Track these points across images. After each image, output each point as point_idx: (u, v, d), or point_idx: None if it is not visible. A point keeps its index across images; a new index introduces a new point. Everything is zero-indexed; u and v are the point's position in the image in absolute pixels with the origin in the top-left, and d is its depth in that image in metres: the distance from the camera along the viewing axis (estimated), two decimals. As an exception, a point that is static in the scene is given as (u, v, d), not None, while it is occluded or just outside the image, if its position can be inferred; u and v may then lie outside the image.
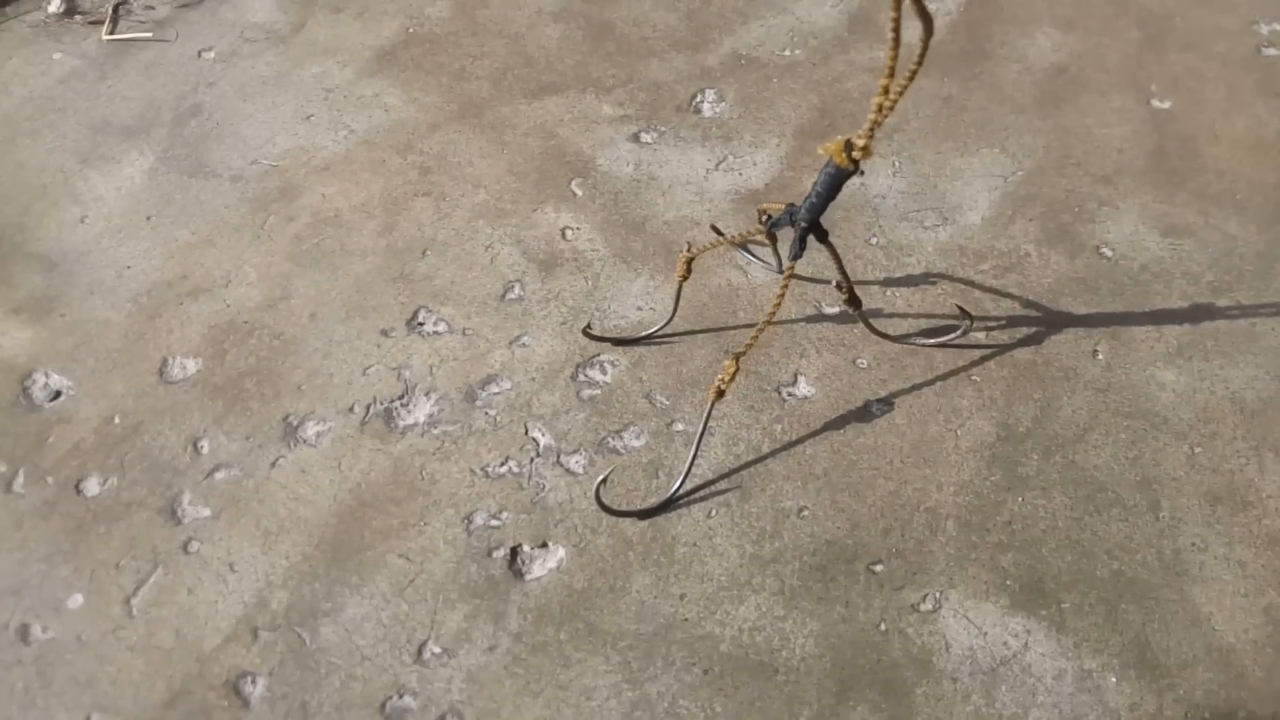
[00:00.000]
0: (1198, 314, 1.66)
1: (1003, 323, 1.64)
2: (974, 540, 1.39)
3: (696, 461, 1.46)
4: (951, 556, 1.38)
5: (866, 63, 2.09)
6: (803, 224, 1.25)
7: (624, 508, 1.41)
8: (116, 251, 1.71)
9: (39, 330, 1.59)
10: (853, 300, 1.46)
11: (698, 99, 2.01)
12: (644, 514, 1.41)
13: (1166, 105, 2.01)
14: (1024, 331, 1.63)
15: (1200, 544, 1.39)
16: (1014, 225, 1.79)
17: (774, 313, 1.30)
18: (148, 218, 1.76)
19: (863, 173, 1.16)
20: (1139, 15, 2.21)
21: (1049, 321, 1.65)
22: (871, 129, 1.08)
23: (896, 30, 0.94)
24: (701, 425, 1.39)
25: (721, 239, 1.37)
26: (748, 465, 1.47)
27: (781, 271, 1.26)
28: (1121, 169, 1.89)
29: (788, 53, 2.11)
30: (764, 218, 1.38)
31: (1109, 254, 1.74)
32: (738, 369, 1.34)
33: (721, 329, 1.62)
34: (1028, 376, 1.57)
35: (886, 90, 1.03)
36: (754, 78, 2.05)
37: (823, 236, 1.31)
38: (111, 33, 2.12)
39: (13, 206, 1.77)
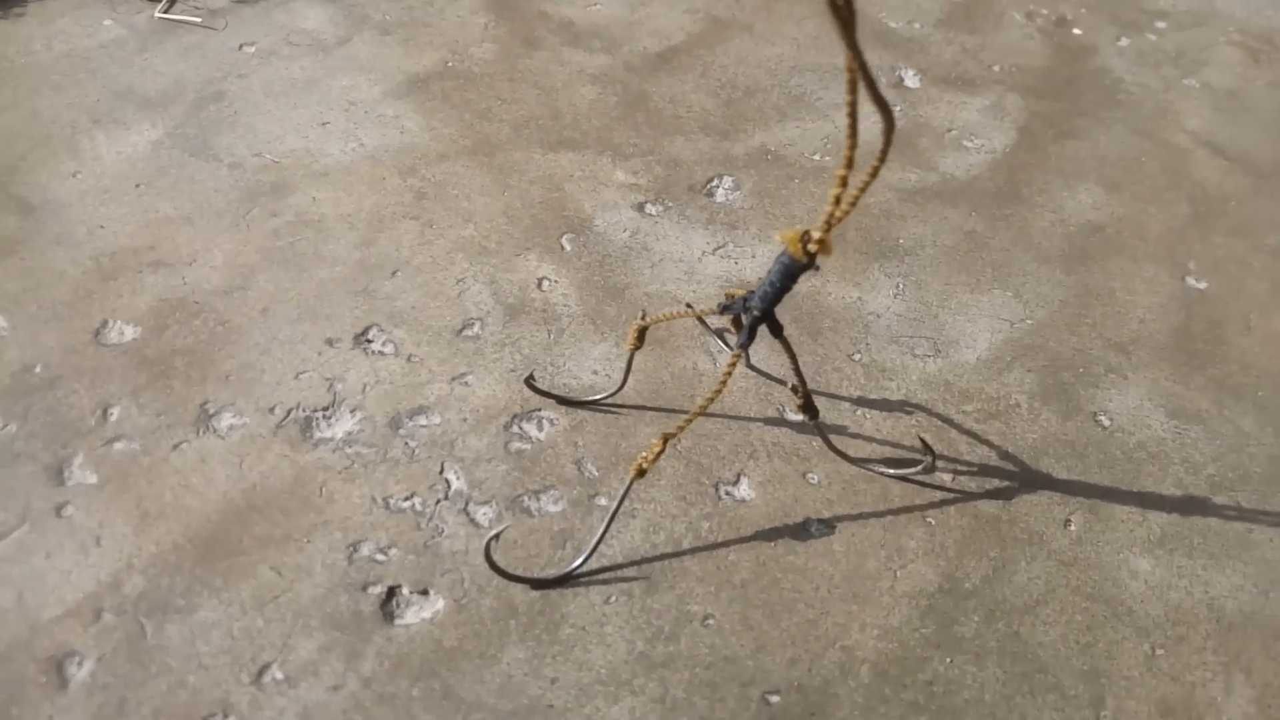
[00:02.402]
0: (1190, 506, 1.61)
1: (973, 469, 1.61)
2: (887, 693, 1.33)
3: (608, 542, 1.44)
4: (858, 705, 1.32)
5: (895, 181, 2.14)
6: (754, 312, 1.26)
7: (520, 572, 1.39)
8: (96, 210, 1.80)
9: (-6, 268, 1.67)
10: (808, 407, 1.45)
11: (713, 183, 2.07)
12: (537, 583, 1.38)
13: (1202, 285, 2.01)
14: (995, 484, 1.60)
15: (1138, 754, 1.31)
16: (1010, 372, 1.77)
17: (714, 396, 1.30)
18: (137, 185, 1.86)
19: (817, 268, 1.17)
20: (1192, 192, 2.24)
21: (1024, 479, 1.61)
22: (828, 223, 1.10)
23: (853, 118, 0.97)
24: (616, 502, 1.38)
25: (677, 313, 1.38)
26: (663, 557, 1.44)
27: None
28: (1139, 339, 1.87)
29: (817, 157, 2.17)
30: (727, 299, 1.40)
31: (1106, 423, 1.71)
32: (663, 449, 1.33)
33: (674, 410, 1.62)
34: (987, 531, 1.53)
35: (844, 182, 1.05)
36: (776, 174, 2.11)
37: (777, 330, 1.32)
38: (166, 11, 2.28)
39: (13, 149, 1.89)
